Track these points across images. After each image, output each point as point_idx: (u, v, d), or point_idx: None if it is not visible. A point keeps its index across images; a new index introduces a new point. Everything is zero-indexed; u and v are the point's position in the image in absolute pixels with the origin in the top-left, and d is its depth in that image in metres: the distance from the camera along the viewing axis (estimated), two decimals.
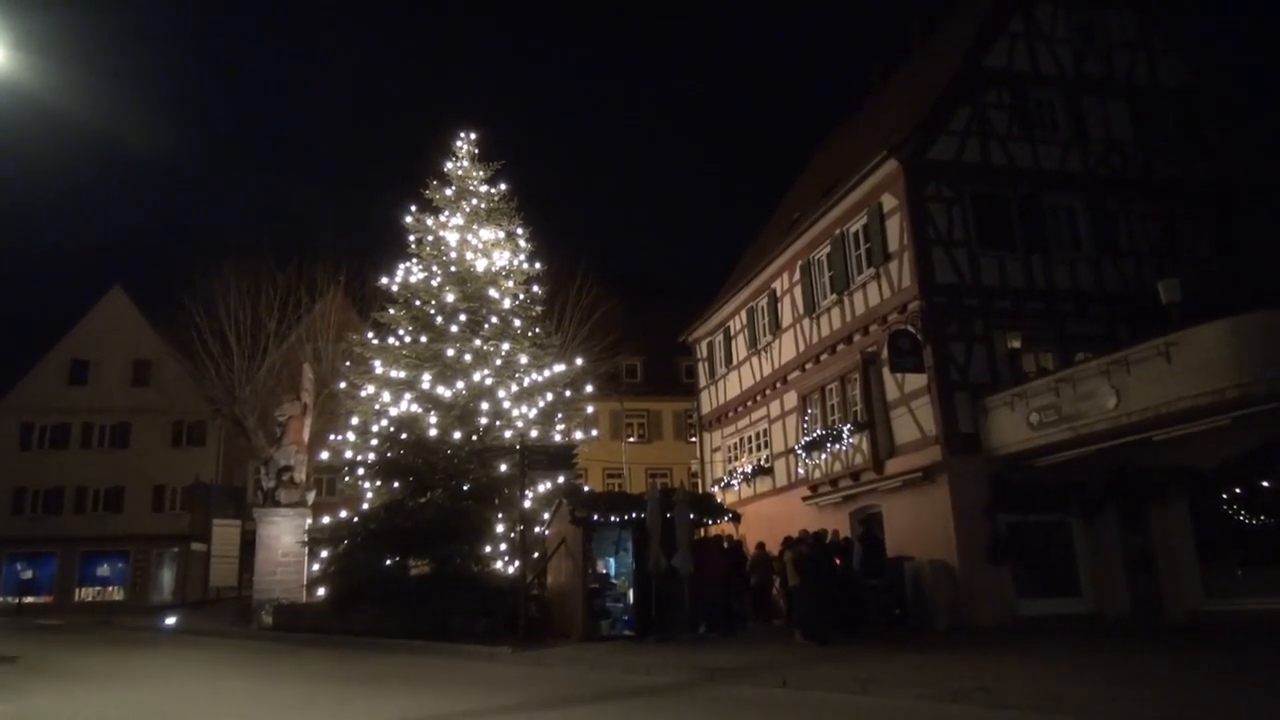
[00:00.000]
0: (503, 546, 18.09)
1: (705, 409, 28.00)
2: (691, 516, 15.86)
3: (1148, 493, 15.60)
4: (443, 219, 21.06)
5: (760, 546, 19.48)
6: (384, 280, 20.91)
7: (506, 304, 20.78)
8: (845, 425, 19.29)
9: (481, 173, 21.75)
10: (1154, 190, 19.06)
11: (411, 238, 21.02)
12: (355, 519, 18.72)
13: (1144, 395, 13.55)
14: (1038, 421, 15.35)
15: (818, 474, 20.50)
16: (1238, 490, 15.22)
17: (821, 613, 14.16)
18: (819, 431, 20.38)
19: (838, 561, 15.86)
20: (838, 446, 19.55)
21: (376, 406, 19.57)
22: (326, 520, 19.90)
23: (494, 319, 20.37)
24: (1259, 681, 8.63)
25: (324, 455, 23.40)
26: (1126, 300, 17.65)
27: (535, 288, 21.79)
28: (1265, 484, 15.03)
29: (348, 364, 21.68)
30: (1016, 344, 17.21)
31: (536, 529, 18.20)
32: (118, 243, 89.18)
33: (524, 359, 20.34)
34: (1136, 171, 19.20)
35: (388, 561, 17.61)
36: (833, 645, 12.99)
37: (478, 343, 19.79)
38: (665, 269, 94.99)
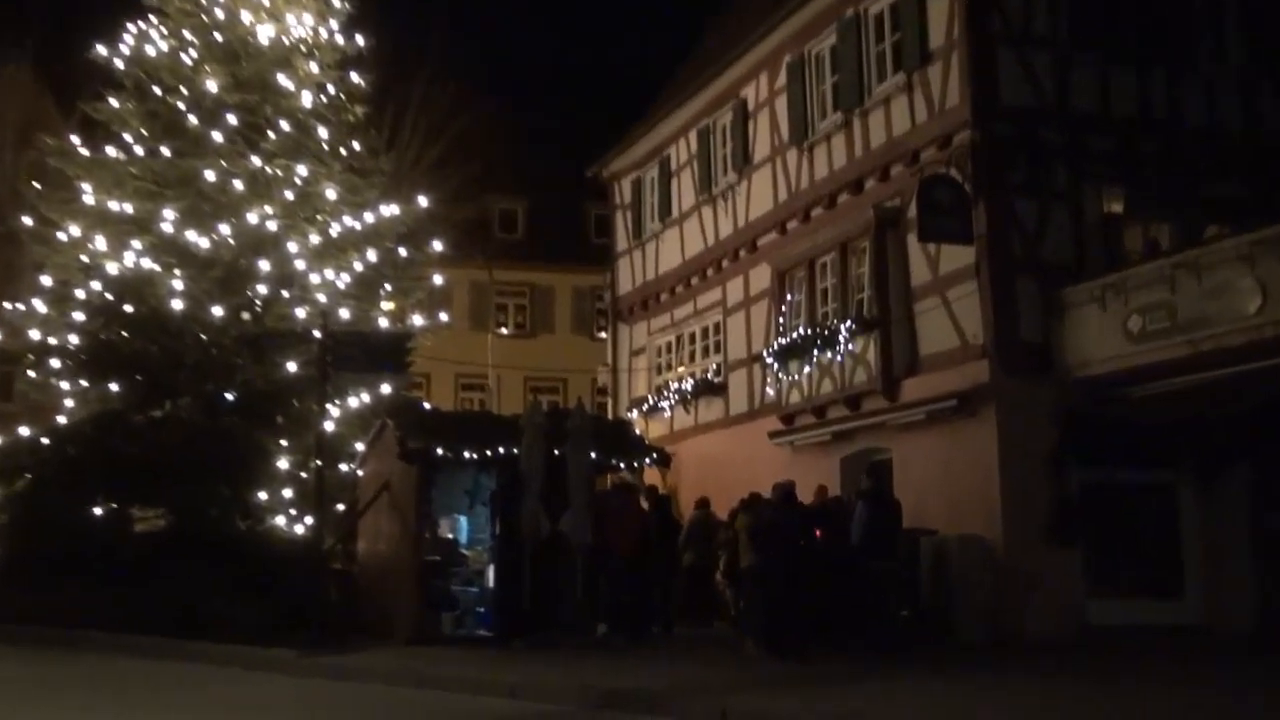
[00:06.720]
0: (288, 492, 18.38)
1: (624, 287, 28.06)
2: (594, 456, 15.94)
3: None
4: None
5: (701, 506, 19.52)
6: (100, 50, 20.45)
7: (307, 100, 20.68)
8: (844, 322, 19.25)
9: None
10: None
11: None
12: (45, 440, 18.73)
13: None
14: (1140, 329, 15.43)
15: (796, 397, 20.59)
16: None
17: (788, 612, 14.17)
18: (802, 330, 20.39)
19: (817, 533, 15.85)
20: (830, 355, 19.54)
21: (85, 258, 19.51)
22: None
23: (285, 124, 20.24)
24: None
25: None
26: None
27: (356, 76, 21.79)
28: None
29: (37, 185, 21.13)
30: (1118, 207, 17.28)
31: (344, 466, 18.39)
32: None
33: (332, 193, 20.41)
34: None
35: (99, 510, 17.74)
36: (804, 663, 13.02)
37: (257, 161, 19.74)
38: (569, 60, 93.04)
